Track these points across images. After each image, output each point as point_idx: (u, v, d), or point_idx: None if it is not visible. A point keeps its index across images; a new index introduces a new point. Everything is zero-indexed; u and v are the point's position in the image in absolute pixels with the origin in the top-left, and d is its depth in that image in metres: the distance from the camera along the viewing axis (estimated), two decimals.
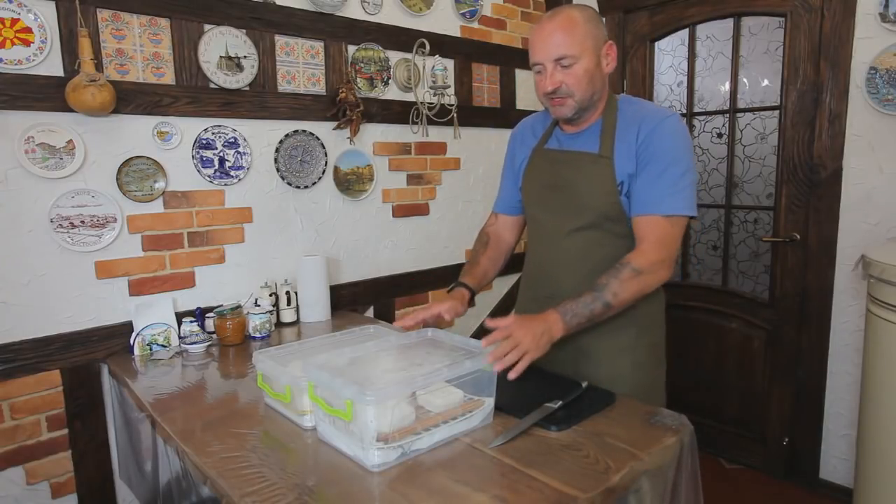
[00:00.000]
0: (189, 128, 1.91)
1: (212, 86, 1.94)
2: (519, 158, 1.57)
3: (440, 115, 2.49)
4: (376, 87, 2.37)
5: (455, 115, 2.51)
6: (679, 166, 1.30)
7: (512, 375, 1.14)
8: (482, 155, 2.80)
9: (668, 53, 2.75)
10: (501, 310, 2.91)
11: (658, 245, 1.29)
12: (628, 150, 1.34)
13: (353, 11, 2.28)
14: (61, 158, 1.67)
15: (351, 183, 2.33)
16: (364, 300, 2.42)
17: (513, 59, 2.84)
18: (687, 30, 2.64)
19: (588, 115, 1.39)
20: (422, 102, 2.45)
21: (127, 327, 1.80)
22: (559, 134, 1.48)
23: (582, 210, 1.39)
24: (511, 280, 2.89)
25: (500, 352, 1.14)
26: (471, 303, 1.52)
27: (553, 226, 1.45)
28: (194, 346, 1.78)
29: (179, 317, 1.88)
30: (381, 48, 2.36)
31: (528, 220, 1.59)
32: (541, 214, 1.49)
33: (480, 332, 2.81)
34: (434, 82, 2.39)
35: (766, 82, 2.46)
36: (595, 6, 2.89)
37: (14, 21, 1.57)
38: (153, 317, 1.82)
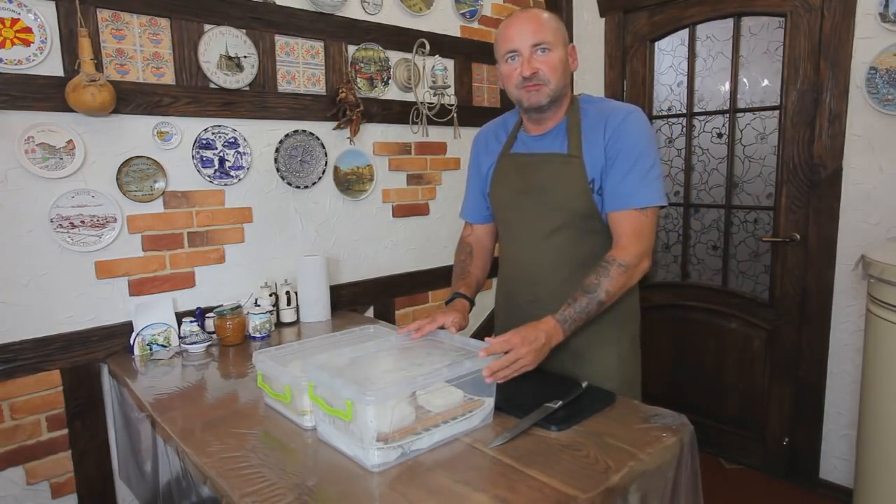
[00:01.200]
0: (189, 128, 1.91)
1: (212, 86, 1.94)
2: (485, 165, 1.58)
3: (440, 115, 2.49)
4: (376, 87, 2.37)
5: (455, 115, 2.51)
6: (647, 159, 1.32)
7: (499, 380, 1.16)
8: None
9: (668, 53, 2.75)
10: None
11: (636, 238, 1.31)
12: (597, 147, 1.35)
13: (353, 11, 2.28)
14: (61, 158, 1.67)
15: (351, 183, 2.33)
16: (364, 300, 2.42)
17: None
18: (687, 30, 2.64)
19: (555, 111, 1.41)
20: (422, 102, 2.45)
21: (127, 327, 1.80)
22: (524, 137, 1.49)
23: (556, 211, 1.39)
24: None
25: (496, 365, 1.14)
26: (469, 310, 1.52)
27: (528, 229, 1.45)
28: (194, 346, 1.78)
29: (179, 317, 1.89)
30: (381, 48, 2.36)
31: (500, 225, 1.57)
32: (514, 219, 1.48)
33: (479, 334, 2.81)
34: (434, 82, 2.39)
35: (766, 82, 2.46)
36: (595, 6, 2.89)
37: (14, 21, 1.57)
38: (153, 317, 1.82)
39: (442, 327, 1.35)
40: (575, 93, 1.47)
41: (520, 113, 1.50)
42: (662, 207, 1.36)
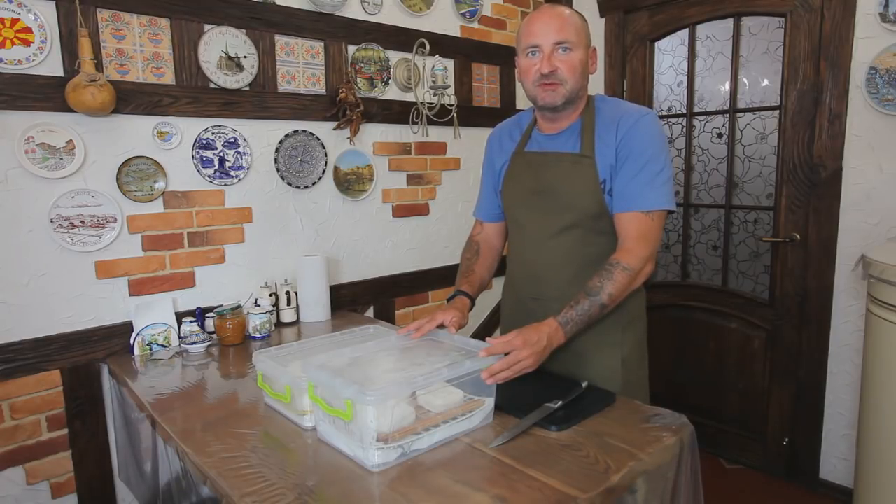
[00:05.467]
0: (189, 128, 1.91)
1: (212, 86, 1.93)
2: (499, 163, 1.58)
3: (440, 115, 2.49)
4: (376, 87, 2.37)
5: (455, 114, 2.51)
6: (657, 162, 1.31)
7: (499, 381, 1.15)
8: (482, 155, 2.79)
9: (668, 53, 2.75)
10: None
11: (642, 241, 1.31)
12: (609, 147, 1.35)
13: (353, 11, 2.28)
14: (61, 158, 1.67)
15: (351, 183, 2.33)
16: (364, 300, 2.42)
17: (513, 58, 2.83)
18: (687, 30, 2.64)
19: (570, 112, 1.41)
20: (422, 102, 2.45)
21: (127, 327, 1.80)
22: (538, 136, 1.49)
23: (566, 210, 1.39)
24: None
25: (496, 367, 1.14)
26: (470, 309, 1.52)
27: (537, 228, 1.45)
28: (194, 346, 1.78)
29: (179, 317, 1.88)
30: (381, 48, 2.36)
31: (510, 223, 1.58)
32: (524, 217, 1.49)
33: (480, 333, 2.81)
34: (434, 82, 2.39)
35: (766, 82, 2.46)
36: (595, 6, 2.89)
37: (14, 21, 1.57)
38: (153, 317, 1.82)
39: (441, 325, 1.35)
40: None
41: (534, 111, 1.50)
42: (671, 212, 1.36)
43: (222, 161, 1.98)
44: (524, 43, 1.37)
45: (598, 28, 2.89)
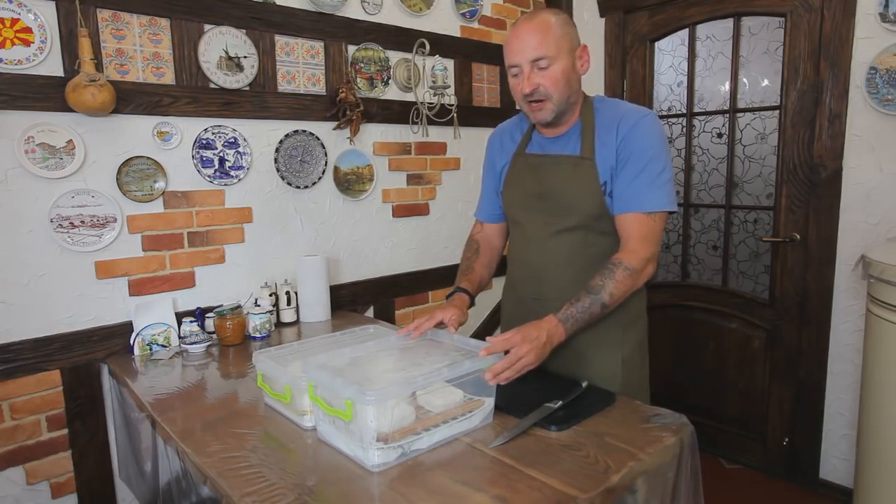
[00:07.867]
0: (189, 128, 1.91)
1: (212, 86, 1.94)
2: (500, 164, 1.57)
3: (440, 115, 2.49)
4: (376, 87, 2.37)
5: (455, 115, 2.51)
6: (658, 163, 1.31)
7: (502, 381, 1.15)
8: (482, 155, 2.78)
9: (668, 53, 2.75)
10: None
11: (644, 242, 1.31)
12: (609, 149, 1.35)
13: (353, 11, 2.28)
14: (61, 158, 1.67)
15: (351, 183, 2.33)
16: (364, 300, 2.42)
17: None
18: (687, 30, 2.64)
19: (566, 118, 1.40)
20: (422, 102, 2.45)
21: (127, 327, 1.80)
22: (539, 137, 1.48)
23: (568, 213, 1.39)
24: None
25: (499, 367, 1.14)
26: (469, 306, 1.52)
27: (538, 229, 1.45)
28: (194, 346, 1.78)
29: (179, 317, 1.89)
30: (381, 48, 2.36)
31: (510, 224, 1.58)
32: (525, 218, 1.49)
33: (480, 333, 2.81)
34: (434, 82, 2.39)
35: (766, 82, 2.46)
36: (595, 6, 2.89)
37: (14, 21, 1.57)
38: (153, 317, 1.82)
39: (441, 324, 1.35)
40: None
41: None
42: (672, 213, 1.36)
43: (222, 161, 1.98)
44: (507, 62, 1.37)
45: (598, 28, 2.89)
